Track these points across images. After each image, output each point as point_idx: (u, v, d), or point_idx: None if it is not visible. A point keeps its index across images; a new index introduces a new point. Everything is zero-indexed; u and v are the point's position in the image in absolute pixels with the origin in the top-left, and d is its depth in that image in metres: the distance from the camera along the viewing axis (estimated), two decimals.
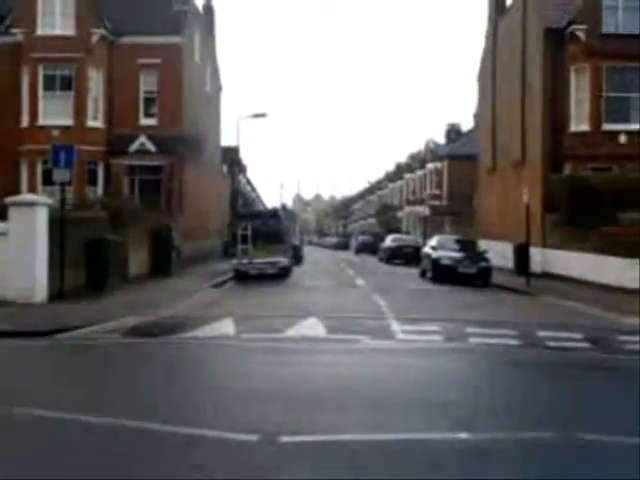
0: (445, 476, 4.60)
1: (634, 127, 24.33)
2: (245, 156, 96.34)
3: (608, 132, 24.53)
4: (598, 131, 24.72)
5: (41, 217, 14.67)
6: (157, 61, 28.54)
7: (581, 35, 24.96)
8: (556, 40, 25.67)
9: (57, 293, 14.70)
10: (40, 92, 27.47)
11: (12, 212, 14.59)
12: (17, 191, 22.73)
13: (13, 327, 11.16)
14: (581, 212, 22.23)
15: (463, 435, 5.63)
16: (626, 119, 24.61)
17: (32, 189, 25.40)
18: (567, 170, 25.16)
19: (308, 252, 45.85)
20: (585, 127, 25.04)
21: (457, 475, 4.61)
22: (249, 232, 22.60)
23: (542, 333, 11.55)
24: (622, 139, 24.53)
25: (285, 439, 5.33)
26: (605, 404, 6.83)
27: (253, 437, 5.34)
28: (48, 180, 19.18)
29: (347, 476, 4.58)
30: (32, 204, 14.88)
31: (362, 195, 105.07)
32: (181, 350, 10.03)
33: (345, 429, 5.72)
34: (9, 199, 15.04)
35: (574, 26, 25.03)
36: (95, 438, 5.49)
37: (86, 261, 16.86)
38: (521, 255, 23.63)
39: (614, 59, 24.45)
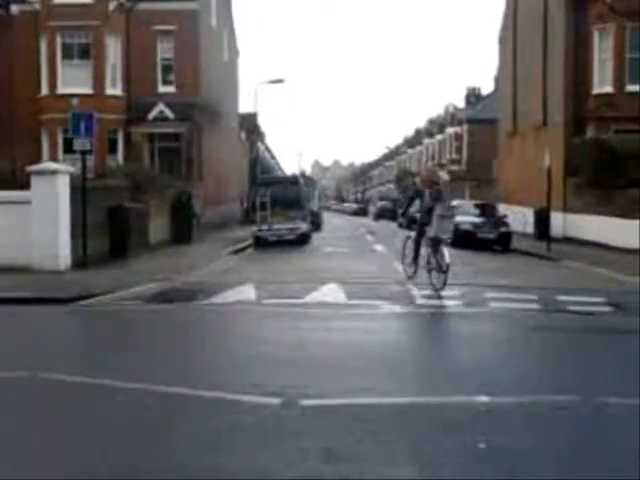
0: (464, 439, 4.65)
1: None
2: (263, 123, 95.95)
3: (632, 93, 24.07)
4: (622, 93, 24.27)
5: (63, 185, 14.80)
6: (173, 27, 28.36)
7: None
8: (579, 0, 25.11)
9: (80, 260, 14.89)
10: (59, 60, 27.48)
11: (34, 181, 14.72)
12: (38, 160, 22.89)
13: (37, 294, 11.33)
14: (604, 175, 21.97)
15: (483, 398, 5.68)
16: None
17: (53, 158, 25.56)
18: (590, 133, 24.80)
19: (327, 218, 45.82)
20: (608, 89, 24.60)
21: (476, 438, 4.66)
22: (268, 199, 22.62)
23: (563, 297, 11.51)
24: None
25: (306, 402, 5.42)
26: (626, 368, 6.83)
27: (275, 400, 5.43)
28: (69, 148, 19.26)
29: (368, 439, 4.65)
30: (54, 172, 14.99)
31: (381, 161, 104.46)
32: (202, 316, 10.16)
33: (366, 393, 5.79)
34: (31, 168, 15.17)
35: None
36: (117, 402, 5.60)
37: (108, 228, 17.04)
38: (542, 219, 23.46)
39: (639, 19, 23.88)
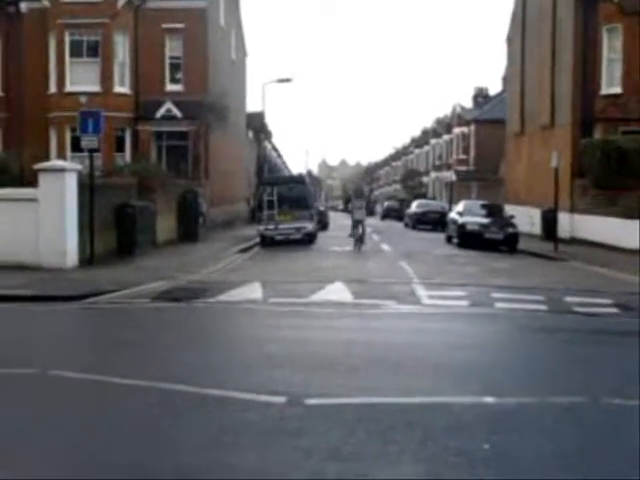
0: (469, 441, 4.64)
1: None
2: (271, 122, 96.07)
3: None
4: (631, 93, 24.17)
5: (70, 183, 14.84)
6: (182, 26, 28.35)
7: None
8: (588, 0, 25.02)
9: (87, 258, 14.93)
10: (67, 58, 27.50)
11: (42, 178, 14.77)
12: (46, 157, 22.96)
13: (44, 291, 11.39)
14: (612, 176, 21.88)
15: (489, 399, 5.68)
16: None
17: (61, 155, 25.62)
18: (598, 134, 24.70)
19: (333, 218, 45.82)
20: (617, 89, 24.49)
21: (482, 439, 4.66)
22: (275, 198, 22.62)
23: (570, 299, 11.49)
24: None
25: (312, 401, 5.43)
26: (633, 369, 6.81)
27: (281, 399, 5.44)
28: (77, 146, 19.30)
29: (372, 438, 4.66)
30: (61, 170, 15.03)
31: (388, 161, 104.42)
32: (209, 314, 10.18)
33: (371, 392, 5.79)
34: (39, 165, 15.21)
35: None
36: (125, 399, 5.64)
37: (115, 227, 17.08)
38: (549, 220, 23.41)
39: None
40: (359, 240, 21.53)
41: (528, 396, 5.78)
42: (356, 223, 21.90)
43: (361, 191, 25.65)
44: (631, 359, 7.36)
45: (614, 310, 10.70)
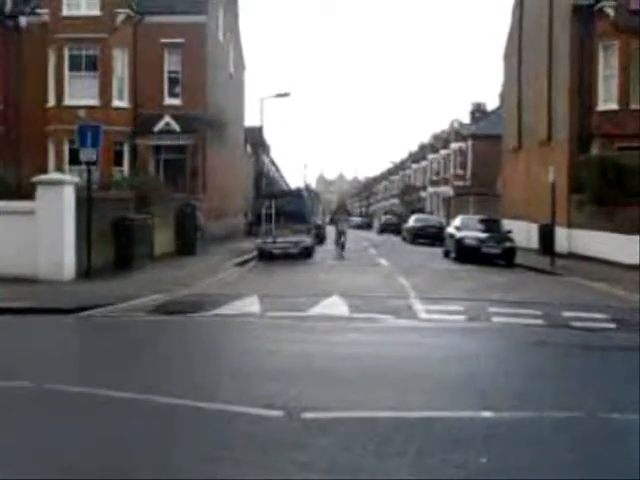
0: (466, 454, 4.63)
1: None
2: (269, 136, 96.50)
3: (637, 111, 24.10)
4: (627, 110, 24.31)
5: (68, 196, 14.85)
6: (181, 40, 28.51)
7: (610, 12, 24.49)
8: (584, 17, 25.22)
9: (84, 271, 14.91)
10: (66, 72, 27.62)
11: (40, 191, 14.78)
12: (44, 170, 22.98)
13: (41, 304, 11.35)
14: (609, 192, 21.96)
15: (486, 414, 5.67)
16: None
17: (59, 168, 25.67)
18: (595, 149, 24.82)
19: (331, 232, 45.83)
20: (613, 106, 24.65)
21: (478, 454, 4.65)
22: (272, 212, 22.65)
23: (567, 313, 11.49)
24: None
25: (309, 415, 5.41)
26: (630, 384, 6.81)
27: (278, 413, 5.43)
28: (75, 159, 19.35)
29: (369, 452, 4.64)
30: (59, 183, 15.05)
31: (385, 176, 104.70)
32: (206, 328, 10.16)
33: (368, 406, 5.79)
34: (37, 178, 15.22)
35: (603, 2, 24.56)
36: (121, 413, 5.61)
37: (113, 240, 17.06)
38: (546, 235, 23.45)
39: None
40: (341, 246, 25.13)
41: (525, 410, 5.77)
42: (339, 233, 25.89)
43: (344, 207, 32.30)
44: (629, 374, 7.36)
45: (611, 325, 10.70)
